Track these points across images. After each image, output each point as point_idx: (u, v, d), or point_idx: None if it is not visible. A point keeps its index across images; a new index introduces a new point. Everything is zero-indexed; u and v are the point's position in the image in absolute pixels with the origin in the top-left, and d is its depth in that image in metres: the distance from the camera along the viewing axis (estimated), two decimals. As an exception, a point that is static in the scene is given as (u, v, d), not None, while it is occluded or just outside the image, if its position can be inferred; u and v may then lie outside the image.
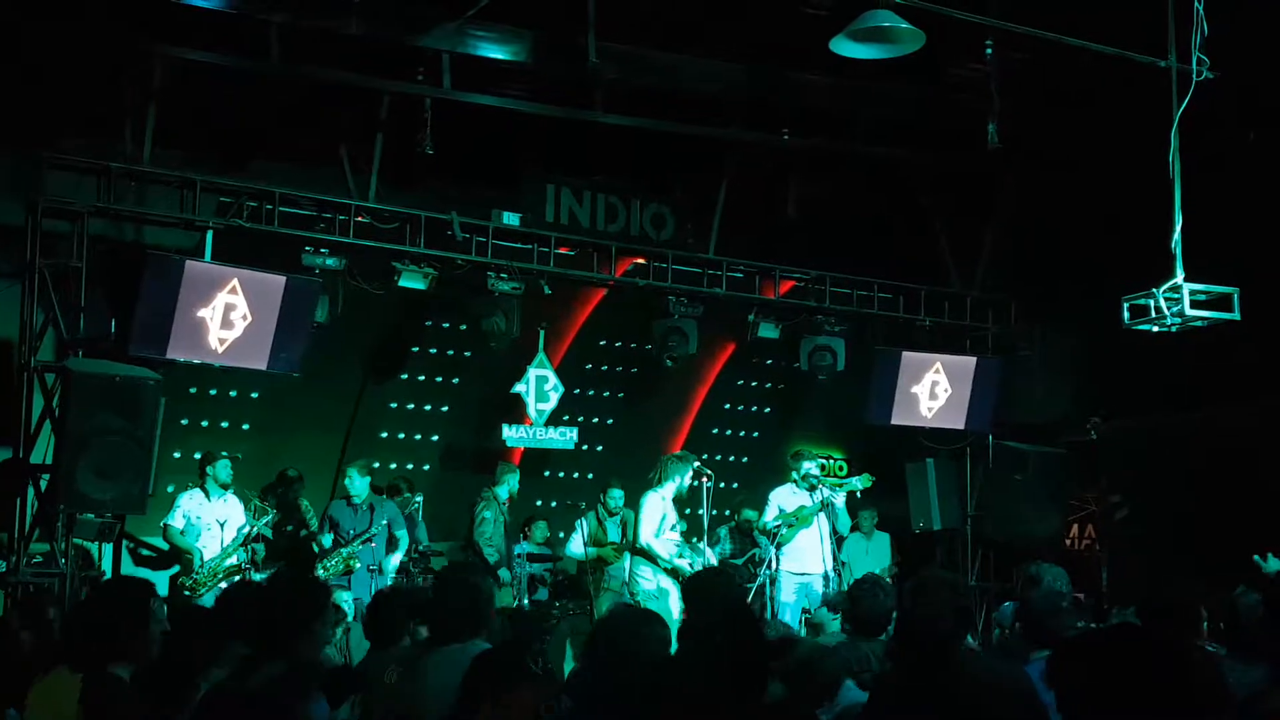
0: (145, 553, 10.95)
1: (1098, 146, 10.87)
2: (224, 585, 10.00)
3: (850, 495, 11.26)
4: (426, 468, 12.97)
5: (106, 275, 9.74)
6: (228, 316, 9.88)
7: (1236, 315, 7.67)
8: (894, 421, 12.48)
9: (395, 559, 10.79)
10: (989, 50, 8.80)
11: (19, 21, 9.01)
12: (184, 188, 10.01)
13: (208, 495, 10.29)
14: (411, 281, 10.73)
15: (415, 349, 12.68)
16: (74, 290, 9.41)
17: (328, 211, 10.51)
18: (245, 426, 11.92)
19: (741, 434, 14.65)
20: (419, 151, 10.12)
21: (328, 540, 10.64)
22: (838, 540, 11.29)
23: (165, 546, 10.49)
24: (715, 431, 14.36)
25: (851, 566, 12.56)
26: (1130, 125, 9.47)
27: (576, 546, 11.52)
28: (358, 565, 10.42)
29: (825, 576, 10.39)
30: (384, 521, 10.68)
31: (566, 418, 12.68)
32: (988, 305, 12.93)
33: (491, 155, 11.22)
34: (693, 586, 6.17)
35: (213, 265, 9.93)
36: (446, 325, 12.54)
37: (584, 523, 11.63)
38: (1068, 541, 13.30)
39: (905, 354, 12.47)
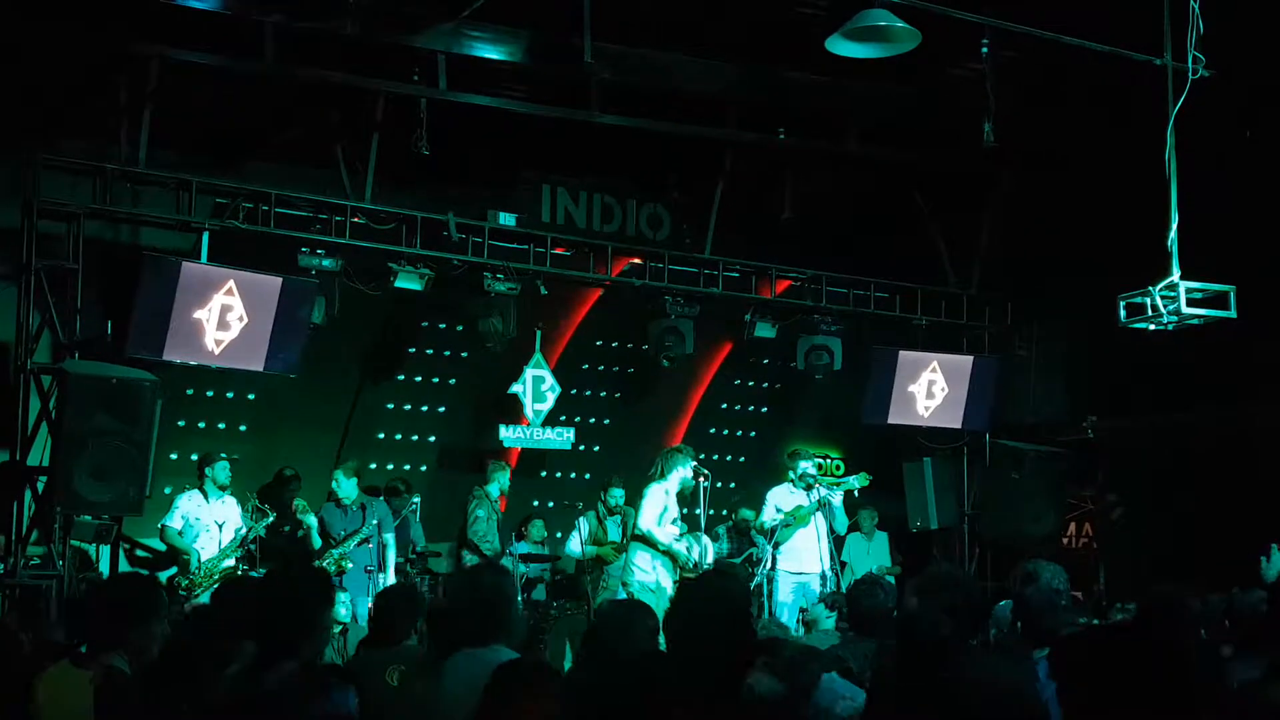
0: (142, 554, 10.94)
1: (1093, 145, 10.88)
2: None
3: (848, 494, 11.26)
4: (423, 468, 12.95)
5: (102, 277, 9.75)
6: (224, 318, 9.88)
7: (1233, 313, 7.66)
8: (891, 421, 12.49)
9: (390, 559, 10.75)
10: (985, 49, 8.79)
11: (14, 23, 8.99)
12: (180, 189, 10.01)
13: (206, 496, 10.28)
14: (408, 282, 10.72)
15: (412, 350, 12.67)
16: (70, 292, 9.41)
17: (323, 212, 10.51)
18: (242, 428, 11.90)
19: (739, 433, 14.65)
20: (415, 152, 10.11)
21: (317, 542, 10.61)
22: (837, 540, 11.29)
23: (162, 548, 10.47)
24: (712, 431, 14.36)
25: (853, 566, 12.58)
26: (1126, 124, 9.48)
27: (575, 545, 11.51)
28: (350, 566, 10.36)
29: (823, 576, 10.38)
30: (374, 522, 10.66)
31: (563, 418, 12.68)
32: (984, 304, 12.94)
33: (487, 155, 11.21)
34: (694, 583, 6.15)
35: (209, 266, 9.93)
36: (443, 326, 12.53)
37: (584, 521, 11.65)
38: (1065, 540, 13.30)
39: (902, 353, 12.47)
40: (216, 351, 9.92)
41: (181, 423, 11.41)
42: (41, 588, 9.06)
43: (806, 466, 10.73)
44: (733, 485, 13.70)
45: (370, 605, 6.62)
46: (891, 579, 12.21)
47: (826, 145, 11.72)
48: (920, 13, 7.85)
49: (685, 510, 10.42)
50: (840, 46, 8.01)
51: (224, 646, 4.80)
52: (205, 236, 10.06)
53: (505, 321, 11.09)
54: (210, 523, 10.19)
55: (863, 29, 7.78)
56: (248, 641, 4.59)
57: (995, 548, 12.57)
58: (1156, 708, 2.96)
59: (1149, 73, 7.84)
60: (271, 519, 10.33)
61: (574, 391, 12.80)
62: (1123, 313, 7.82)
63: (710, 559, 10.46)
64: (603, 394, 13.71)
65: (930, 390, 12.54)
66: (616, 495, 11.50)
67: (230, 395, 11.78)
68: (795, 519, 10.58)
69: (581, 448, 13.01)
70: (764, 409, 14.69)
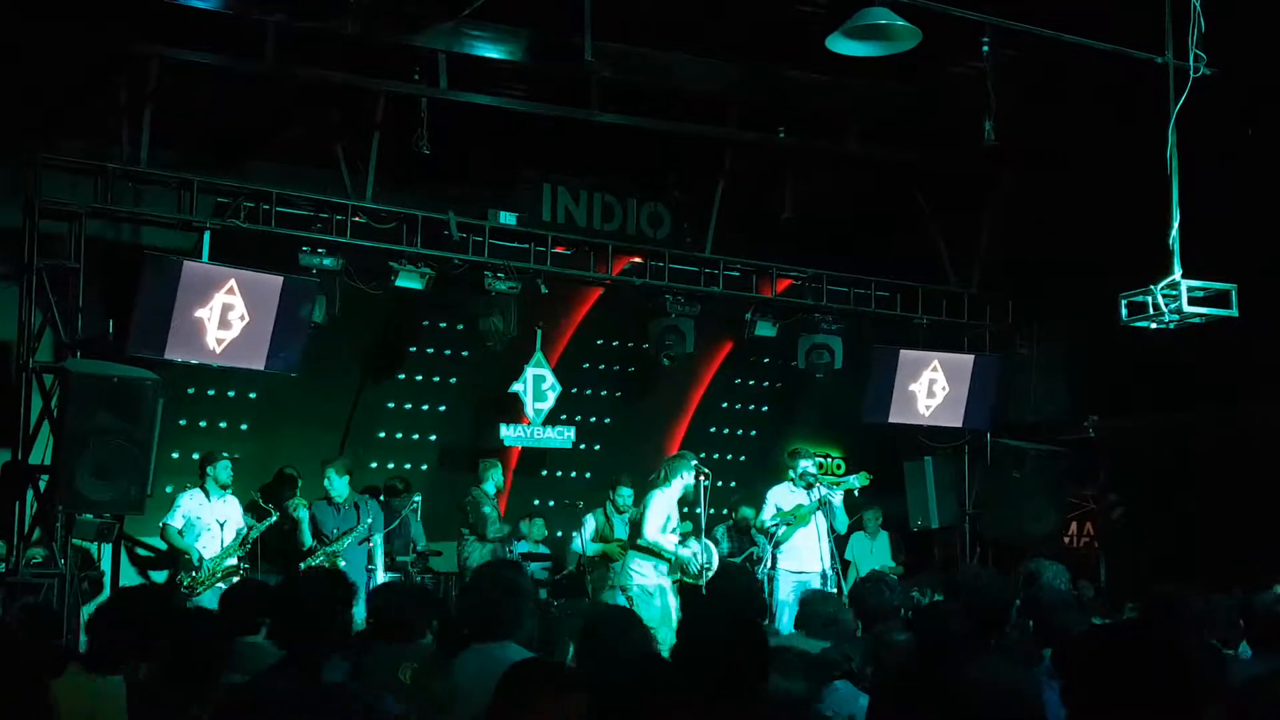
0: (143, 553, 10.95)
1: (1094, 144, 10.88)
2: (222, 585, 10.00)
3: (849, 494, 11.26)
4: (424, 467, 12.96)
5: (104, 276, 9.76)
6: (225, 317, 9.88)
7: (1234, 311, 7.67)
8: (891, 420, 12.49)
9: (379, 559, 10.73)
10: (985, 48, 8.79)
11: (15, 23, 8.99)
12: (181, 188, 10.02)
13: (208, 495, 10.28)
14: (408, 281, 10.73)
15: (412, 349, 12.67)
16: (72, 291, 9.41)
17: (324, 212, 10.51)
18: (243, 427, 11.91)
19: (739, 432, 14.65)
20: (415, 151, 10.11)
21: (307, 538, 10.59)
22: (838, 539, 11.29)
23: (163, 546, 10.48)
24: (713, 430, 14.36)
25: (856, 565, 12.59)
26: (1127, 122, 9.48)
27: (585, 539, 11.64)
28: (343, 564, 10.33)
29: (823, 575, 10.37)
30: (368, 521, 10.64)
31: (564, 417, 12.67)
32: (985, 303, 12.94)
33: (488, 155, 11.21)
34: (713, 582, 6.14)
35: (210, 266, 9.93)
36: (444, 325, 12.53)
37: (591, 518, 11.70)
38: (1066, 539, 13.31)
39: (903, 352, 12.47)
40: (218, 350, 9.92)
41: (183, 421, 11.42)
42: (43, 586, 9.05)
43: (807, 465, 10.73)
44: (733, 484, 13.70)
45: (372, 602, 6.56)
46: (894, 578, 12.31)
47: (827, 144, 11.72)
48: (921, 11, 7.85)
49: (686, 510, 10.43)
50: (840, 45, 8.02)
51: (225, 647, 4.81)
52: (206, 236, 10.06)
53: (506, 320, 11.09)
54: (211, 522, 10.18)
55: (863, 27, 7.79)
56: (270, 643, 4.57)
57: (996, 547, 12.57)
58: (1158, 707, 2.97)
59: (1150, 71, 7.84)
60: (274, 518, 10.32)
61: (575, 390, 12.80)
62: (1124, 311, 7.82)
63: (715, 563, 10.47)
64: (603, 393, 13.71)
65: (931, 389, 12.54)
66: (625, 495, 11.52)
67: (231, 394, 11.78)
68: (796, 518, 10.58)
69: (582, 447, 13.01)
70: (764, 408, 14.70)
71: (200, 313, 9.76)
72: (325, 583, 4.70)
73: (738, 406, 14.61)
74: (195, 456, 10.76)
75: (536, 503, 13.07)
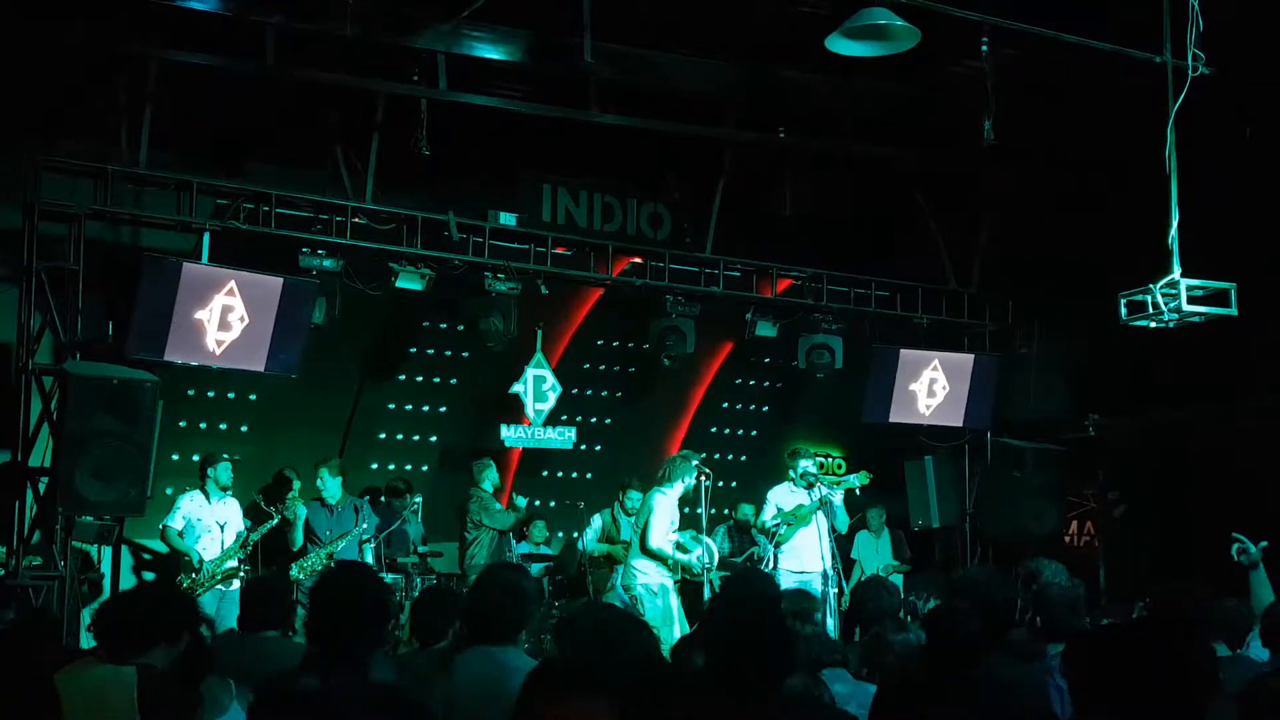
0: (144, 555, 10.96)
1: (1093, 143, 10.88)
2: (221, 587, 10.01)
3: (849, 493, 11.25)
4: (425, 468, 12.95)
5: (104, 278, 9.76)
6: (225, 318, 9.89)
7: (1234, 310, 7.66)
8: (892, 419, 12.50)
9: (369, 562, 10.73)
10: (985, 47, 8.79)
11: (15, 24, 8.99)
12: (180, 190, 10.02)
13: (208, 497, 10.28)
14: (408, 282, 10.73)
15: (412, 350, 12.67)
16: (71, 293, 9.41)
17: (324, 213, 10.52)
18: (243, 428, 11.90)
19: (739, 432, 14.65)
20: (415, 152, 10.11)
21: (298, 538, 10.59)
22: (844, 538, 11.30)
23: (163, 549, 10.48)
24: (713, 430, 14.36)
25: (862, 564, 12.60)
26: (1126, 121, 9.48)
27: (589, 540, 11.74)
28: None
29: (824, 575, 10.37)
30: (364, 525, 10.64)
31: (565, 417, 12.68)
32: (985, 303, 12.94)
33: (488, 155, 11.21)
34: (729, 581, 6.12)
35: (210, 267, 9.94)
36: (444, 326, 12.53)
37: (599, 517, 11.72)
38: (1066, 538, 13.32)
39: (903, 352, 12.48)
40: (217, 352, 9.93)
41: (183, 423, 11.41)
42: (43, 588, 9.05)
43: (807, 465, 10.73)
44: (734, 484, 13.69)
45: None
46: (899, 578, 12.33)
47: (827, 144, 11.72)
48: (920, 11, 7.85)
49: (687, 510, 10.44)
50: (840, 45, 8.01)
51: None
52: (206, 237, 10.07)
53: (506, 321, 11.09)
54: (212, 523, 10.19)
55: (863, 27, 7.78)
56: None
57: (997, 546, 12.58)
58: (1167, 705, 2.99)
59: (1149, 70, 7.83)
60: (275, 520, 10.32)
61: (575, 391, 12.80)
62: (1124, 310, 7.81)
63: (715, 560, 10.50)
64: (604, 393, 13.71)
65: (931, 388, 12.56)
66: (635, 498, 11.53)
67: (231, 396, 11.78)
68: (796, 518, 10.59)
69: (583, 447, 13.01)
70: (765, 408, 14.70)
71: (200, 314, 9.77)
72: (369, 577, 4.68)
73: (738, 406, 14.61)
74: (195, 458, 10.75)
75: (537, 504, 13.06)
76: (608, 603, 8.62)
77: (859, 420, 12.68)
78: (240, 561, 10.10)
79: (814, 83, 10.89)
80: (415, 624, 6.10)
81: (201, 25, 9.53)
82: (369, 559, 10.65)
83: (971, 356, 12.74)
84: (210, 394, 11.63)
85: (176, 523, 10.16)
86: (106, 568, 10.40)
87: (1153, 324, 7.78)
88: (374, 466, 12.64)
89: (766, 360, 14.08)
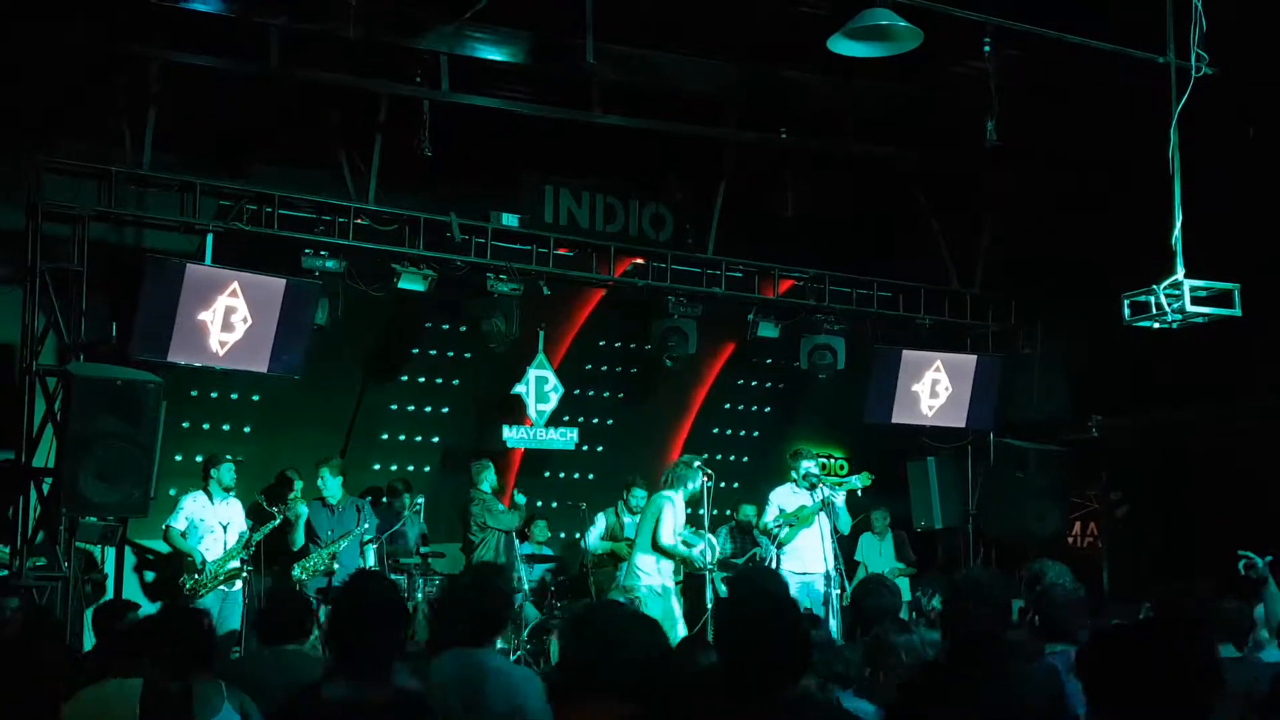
0: (147, 556, 10.97)
1: (1095, 143, 10.88)
2: (224, 588, 10.02)
3: (852, 494, 11.25)
4: (427, 469, 12.96)
5: (107, 279, 9.76)
6: (228, 319, 9.90)
7: (1237, 311, 7.66)
8: (894, 420, 12.50)
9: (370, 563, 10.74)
10: (987, 48, 8.79)
11: (18, 25, 9.00)
12: (184, 191, 10.03)
13: (211, 498, 10.29)
14: (411, 283, 10.73)
15: (415, 350, 12.68)
16: (75, 294, 9.42)
17: (327, 214, 10.53)
18: (246, 429, 11.91)
19: (741, 433, 14.65)
20: (418, 153, 10.11)
21: (299, 538, 10.59)
22: (848, 539, 11.30)
23: (165, 549, 10.49)
24: (715, 431, 14.36)
25: (866, 565, 12.58)
26: (1128, 121, 9.48)
27: (593, 538, 11.75)
28: (338, 567, 10.33)
29: (827, 576, 10.37)
30: (365, 525, 10.65)
31: (566, 418, 12.68)
32: (987, 303, 12.95)
33: (490, 157, 11.22)
34: (740, 580, 6.10)
35: (213, 268, 9.95)
36: (446, 327, 12.53)
37: (603, 516, 11.73)
38: (1070, 539, 13.32)
39: (905, 352, 12.49)
40: (221, 353, 9.93)
41: (186, 424, 11.42)
42: (46, 589, 9.06)
43: (809, 466, 10.74)
44: (736, 485, 13.71)
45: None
46: (905, 580, 12.33)
47: (828, 144, 11.72)
48: (922, 11, 7.85)
49: (690, 511, 10.45)
50: (842, 46, 8.01)
51: None
52: (209, 238, 10.08)
53: (508, 322, 11.09)
54: (215, 524, 10.20)
55: (865, 28, 7.79)
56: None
57: (999, 547, 12.58)
58: (1178, 705, 3.02)
59: (1152, 71, 7.84)
60: (277, 521, 10.32)
61: (577, 392, 12.80)
62: (1127, 311, 7.82)
63: (715, 556, 10.54)
64: (606, 394, 13.72)
65: (934, 389, 12.56)
66: (638, 496, 11.57)
67: (234, 396, 11.79)
68: (798, 519, 10.59)
69: (585, 448, 13.01)
70: (767, 409, 14.70)
71: (203, 315, 9.78)
72: (388, 584, 4.69)
73: (740, 407, 14.61)
74: (198, 459, 10.77)
75: (540, 504, 13.07)
76: (619, 601, 8.63)
77: (861, 421, 12.68)
78: (243, 562, 10.10)
79: (815, 83, 10.90)
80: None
81: (204, 26, 9.54)
82: (371, 560, 10.66)
83: (974, 357, 12.75)
84: (213, 395, 11.63)
85: (179, 523, 10.17)
86: (110, 568, 10.42)
87: (1156, 325, 7.79)
88: (376, 467, 12.65)
89: (768, 361, 14.09)
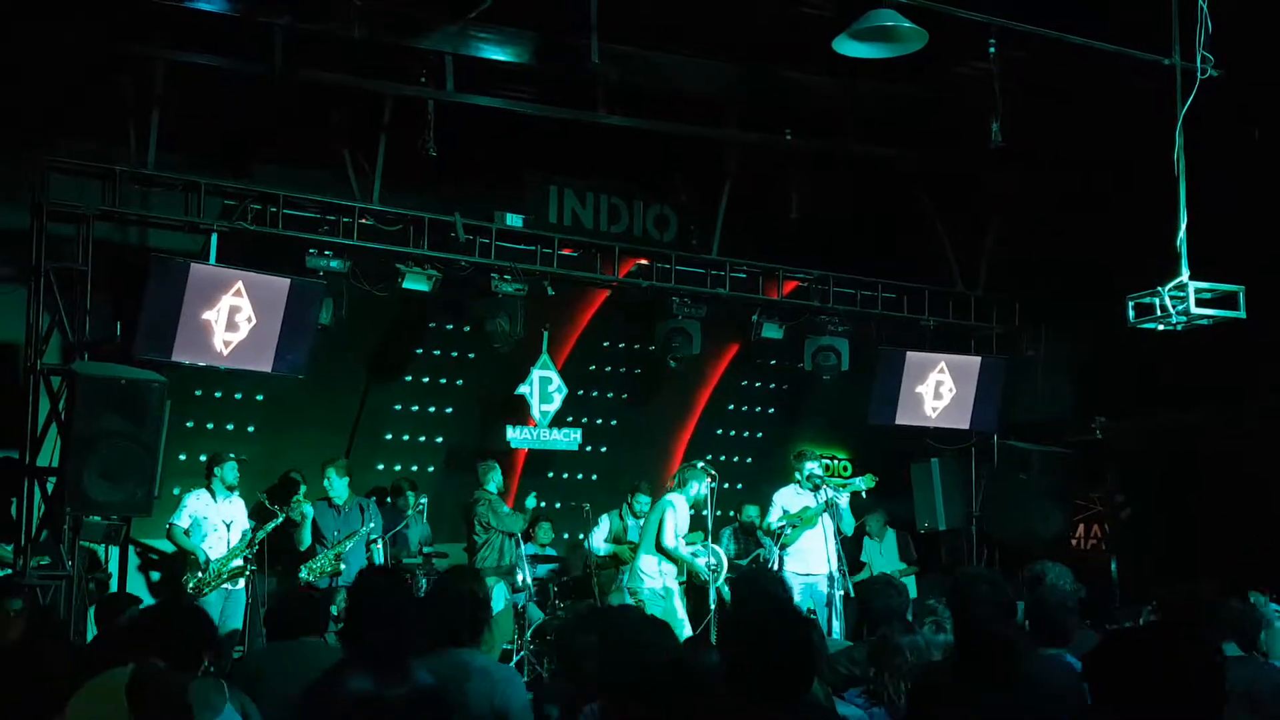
0: (151, 555, 10.98)
1: (1099, 144, 10.87)
2: (227, 586, 10.02)
3: (854, 496, 11.25)
4: (431, 469, 12.97)
5: (112, 278, 9.77)
6: (232, 319, 9.91)
7: (1242, 313, 7.66)
8: (898, 421, 12.49)
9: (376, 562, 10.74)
10: (992, 49, 8.79)
11: (23, 25, 9.01)
12: (188, 191, 10.03)
13: (214, 496, 10.29)
14: (415, 283, 10.74)
15: (419, 350, 12.69)
16: (79, 293, 9.43)
17: (331, 214, 10.53)
18: (250, 429, 11.92)
19: (745, 434, 14.65)
20: (422, 153, 10.12)
21: (305, 539, 10.59)
22: (853, 541, 11.29)
23: (169, 548, 10.50)
24: (719, 432, 14.36)
25: (872, 567, 12.57)
26: (1133, 123, 9.47)
27: (598, 540, 11.76)
28: (344, 567, 10.34)
29: (830, 577, 10.37)
30: (370, 525, 10.65)
31: (570, 419, 12.68)
32: (991, 305, 12.94)
33: (494, 157, 11.22)
34: (742, 581, 6.09)
35: (217, 268, 9.96)
36: (450, 327, 12.54)
37: (607, 518, 11.73)
38: (1073, 541, 13.30)
39: (909, 354, 12.48)
40: (225, 353, 9.94)
41: (190, 423, 11.43)
42: (50, 588, 9.07)
43: (813, 467, 10.73)
44: (739, 486, 13.72)
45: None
46: (912, 580, 12.32)
47: (833, 145, 11.72)
48: (927, 12, 7.85)
49: (694, 513, 10.46)
50: (847, 47, 8.01)
51: None
52: (214, 238, 10.08)
53: (512, 322, 11.10)
54: (218, 522, 10.20)
55: (870, 29, 7.78)
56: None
57: (1003, 548, 12.56)
58: (1185, 708, 3.03)
59: (1157, 72, 7.83)
60: (280, 519, 10.32)
61: (581, 392, 12.81)
62: (1131, 313, 7.81)
63: (724, 564, 10.56)
64: (610, 395, 13.72)
65: (938, 391, 12.55)
66: (643, 501, 11.57)
67: (239, 396, 11.80)
68: (802, 520, 10.58)
69: (589, 449, 13.02)
70: (771, 410, 14.70)
71: (207, 315, 9.79)
72: (404, 580, 4.69)
73: (744, 408, 14.61)
74: (202, 458, 10.78)
75: (543, 505, 13.08)
76: (629, 605, 8.63)
77: (865, 422, 12.67)
78: (246, 560, 10.10)
79: (818, 84, 10.89)
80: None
81: (208, 26, 9.54)
82: (378, 560, 10.66)
83: (978, 359, 12.74)
84: (217, 394, 11.65)
85: (183, 521, 10.17)
86: (114, 567, 10.43)
87: (1160, 327, 7.78)
88: (380, 467, 12.66)
89: (772, 362, 14.09)
